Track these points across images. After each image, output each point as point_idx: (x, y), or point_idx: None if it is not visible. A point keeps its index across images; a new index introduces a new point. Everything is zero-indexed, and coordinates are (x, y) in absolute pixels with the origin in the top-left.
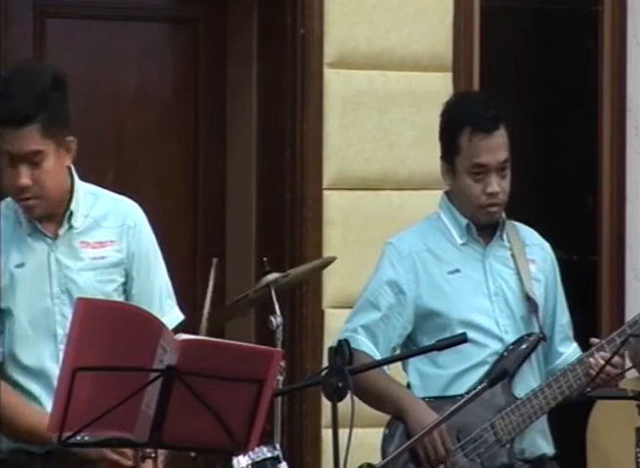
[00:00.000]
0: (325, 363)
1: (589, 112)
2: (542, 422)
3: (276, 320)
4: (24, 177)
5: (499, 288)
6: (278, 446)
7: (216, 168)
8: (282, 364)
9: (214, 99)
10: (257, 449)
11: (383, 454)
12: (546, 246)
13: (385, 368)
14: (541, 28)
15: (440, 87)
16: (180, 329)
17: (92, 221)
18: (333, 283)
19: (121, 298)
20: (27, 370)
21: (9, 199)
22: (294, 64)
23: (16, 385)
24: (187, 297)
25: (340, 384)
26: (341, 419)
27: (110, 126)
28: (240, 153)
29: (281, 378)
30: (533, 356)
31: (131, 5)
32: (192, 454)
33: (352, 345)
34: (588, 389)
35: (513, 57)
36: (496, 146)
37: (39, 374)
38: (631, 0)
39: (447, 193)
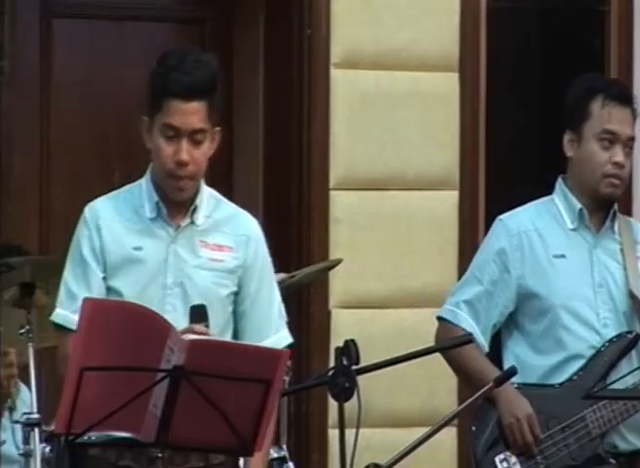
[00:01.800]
0: (332, 363)
1: None
2: (639, 419)
3: None
4: (186, 154)
5: (603, 280)
6: (285, 446)
7: (222, 168)
8: (288, 364)
9: (220, 100)
10: None
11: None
12: None
13: (484, 343)
14: (548, 28)
15: (447, 87)
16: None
17: (212, 223)
18: (339, 283)
19: (231, 307)
20: None
21: (132, 185)
22: (300, 65)
23: None
24: None
25: (347, 384)
26: (348, 419)
27: (116, 126)
28: (247, 153)
29: (287, 378)
30: (633, 352)
31: (137, 5)
32: None
33: (453, 321)
34: (595, 389)
35: (520, 57)
36: (625, 119)
37: None
38: (638, 0)
39: (563, 178)
